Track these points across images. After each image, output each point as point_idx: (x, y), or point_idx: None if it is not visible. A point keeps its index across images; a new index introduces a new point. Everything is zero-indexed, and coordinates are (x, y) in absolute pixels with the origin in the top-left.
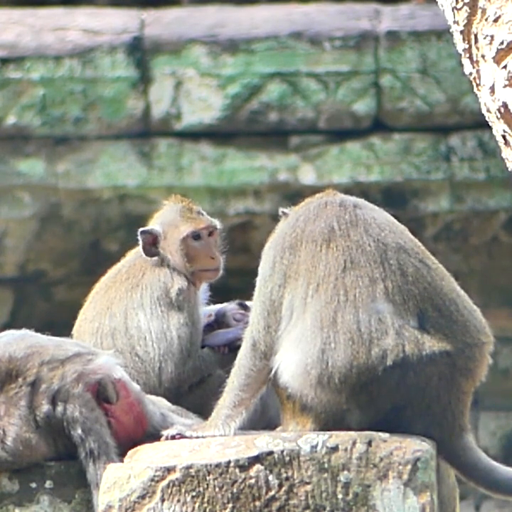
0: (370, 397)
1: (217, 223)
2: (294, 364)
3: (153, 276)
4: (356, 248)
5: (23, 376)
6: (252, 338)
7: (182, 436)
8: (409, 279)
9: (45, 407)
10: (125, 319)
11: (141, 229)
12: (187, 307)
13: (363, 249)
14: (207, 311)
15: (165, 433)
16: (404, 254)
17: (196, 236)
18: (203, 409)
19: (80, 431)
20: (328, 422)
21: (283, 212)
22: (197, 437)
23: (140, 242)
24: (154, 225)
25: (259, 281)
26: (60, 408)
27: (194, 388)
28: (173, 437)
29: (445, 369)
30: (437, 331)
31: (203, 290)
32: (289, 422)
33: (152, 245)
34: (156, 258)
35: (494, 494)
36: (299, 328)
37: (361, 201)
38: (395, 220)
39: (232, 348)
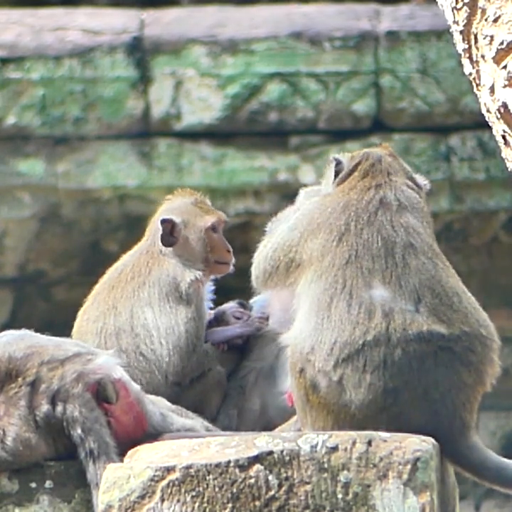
0: (356, 370)
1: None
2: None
3: (161, 271)
4: (363, 246)
5: (23, 376)
6: None
7: None
8: (410, 271)
9: (44, 407)
10: (131, 318)
11: (161, 218)
12: (195, 300)
13: (369, 247)
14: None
15: None
16: (411, 250)
17: (215, 228)
18: (202, 405)
19: (79, 431)
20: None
21: (335, 158)
22: None
23: (160, 231)
24: (169, 215)
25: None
26: (59, 408)
27: (195, 382)
28: None
29: (441, 352)
30: (432, 314)
31: (208, 287)
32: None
33: (170, 235)
34: (169, 249)
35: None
36: (302, 307)
37: (397, 202)
38: (422, 224)
39: (231, 345)
